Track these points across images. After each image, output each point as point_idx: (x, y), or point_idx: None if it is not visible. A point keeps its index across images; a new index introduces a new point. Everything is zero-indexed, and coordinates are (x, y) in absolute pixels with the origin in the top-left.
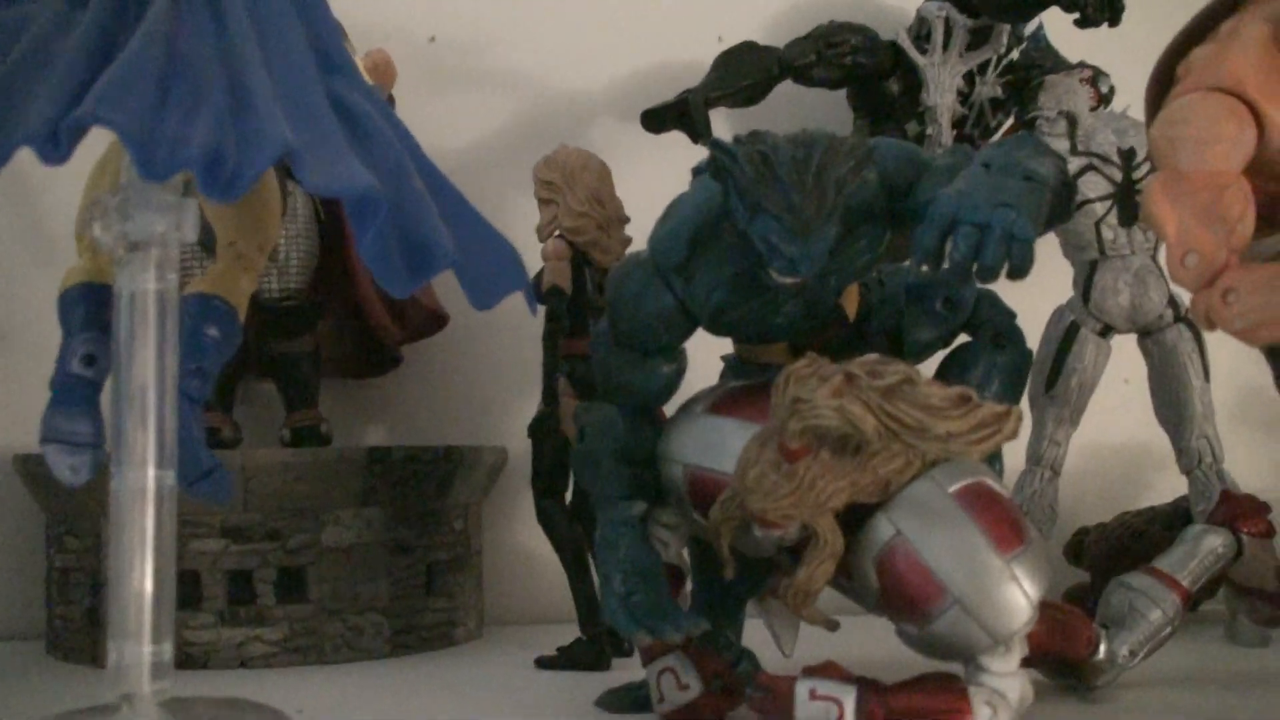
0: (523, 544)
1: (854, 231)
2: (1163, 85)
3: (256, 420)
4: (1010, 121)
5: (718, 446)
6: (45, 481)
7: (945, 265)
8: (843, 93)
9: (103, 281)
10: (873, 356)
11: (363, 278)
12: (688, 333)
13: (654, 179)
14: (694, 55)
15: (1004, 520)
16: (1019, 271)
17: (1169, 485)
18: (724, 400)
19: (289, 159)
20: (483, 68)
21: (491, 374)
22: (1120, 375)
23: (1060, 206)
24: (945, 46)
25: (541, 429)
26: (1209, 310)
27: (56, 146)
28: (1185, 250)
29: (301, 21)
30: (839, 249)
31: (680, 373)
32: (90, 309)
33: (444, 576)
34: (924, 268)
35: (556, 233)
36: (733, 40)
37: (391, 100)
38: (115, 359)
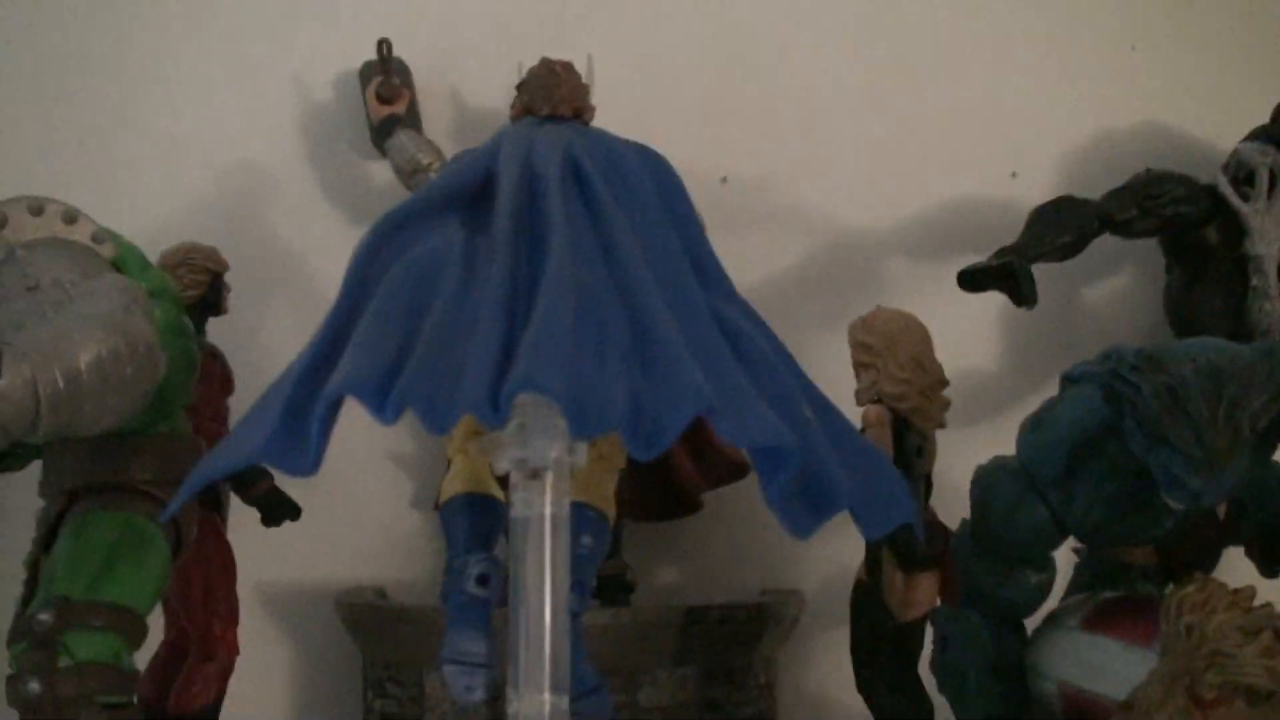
0: (815, 690)
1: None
2: None
3: None
4: None
5: (1099, 668)
6: (368, 625)
7: None
8: None
9: (484, 491)
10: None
11: None
12: (1058, 543)
13: (950, 322)
14: (988, 192)
15: None
16: None
17: None
18: (1100, 616)
19: (705, 414)
20: (775, 206)
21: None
22: None
23: None
24: (1270, 193)
25: (863, 599)
26: None
27: (496, 411)
28: None
29: (675, 229)
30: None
31: (1050, 582)
32: (475, 521)
33: None
34: None
35: (876, 398)
36: (1027, 177)
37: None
38: (513, 581)
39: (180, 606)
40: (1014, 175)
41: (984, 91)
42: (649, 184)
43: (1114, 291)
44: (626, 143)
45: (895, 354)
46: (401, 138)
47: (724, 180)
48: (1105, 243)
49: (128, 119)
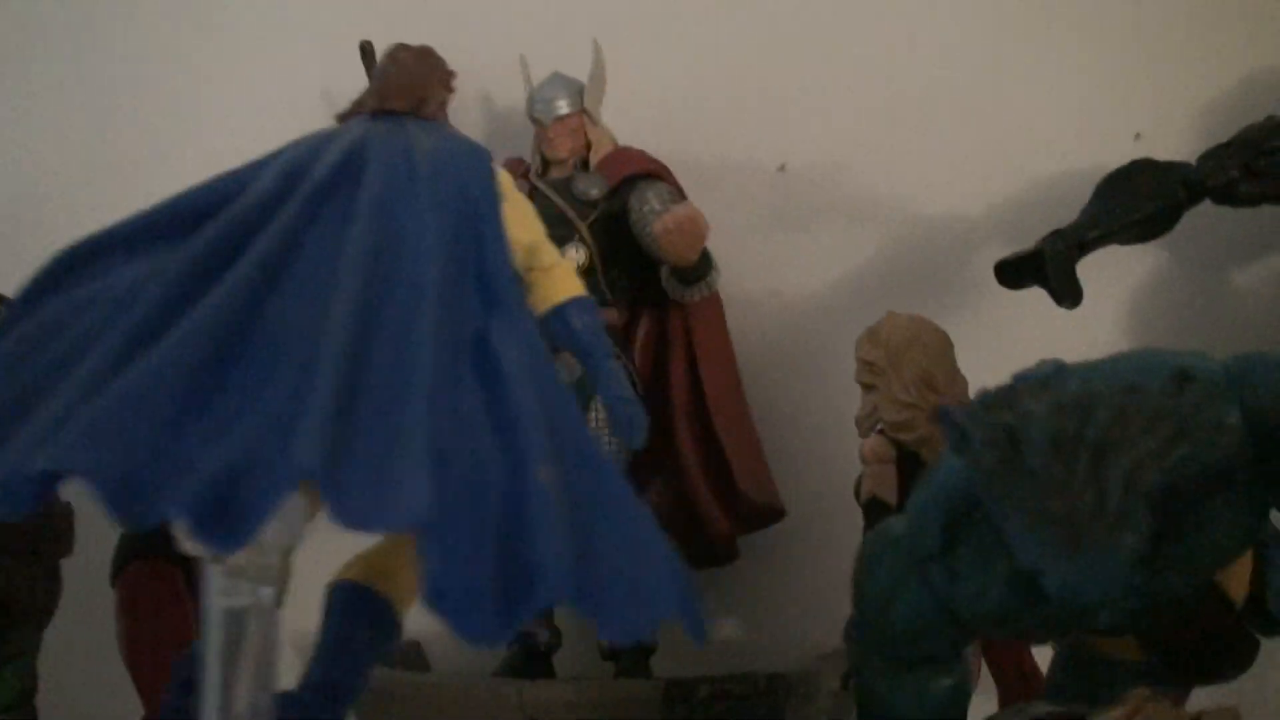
0: None
1: (1198, 514)
2: None
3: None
4: None
5: None
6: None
7: None
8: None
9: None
10: None
11: (689, 461)
12: (957, 635)
13: (1060, 325)
14: (1104, 161)
15: None
16: None
17: None
18: None
19: (315, 485)
20: (838, 196)
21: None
22: None
23: None
24: None
25: None
26: None
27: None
28: None
29: (472, 242)
30: (1170, 549)
31: (964, 690)
32: None
33: None
34: None
35: (878, 427)
36: (1155, 139)
37: None
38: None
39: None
40: (1138, 137)
41: (1097, 38)
42: (452, 188)
43: None
44: (454, 141)
45: (900, 372)
46: None
47: (782, 168)
48: None
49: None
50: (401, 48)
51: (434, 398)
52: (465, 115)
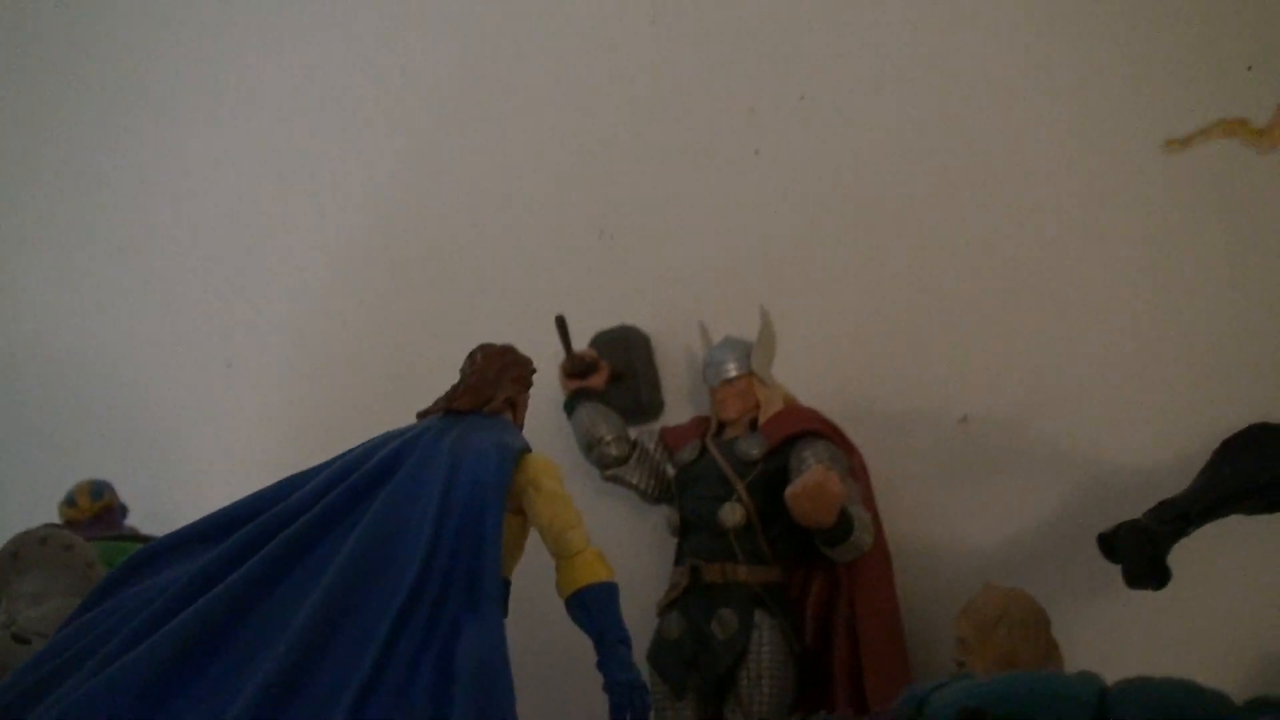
0: None
1: None
2: None
3: None
4: None
5: None
6: None
7: None
8: None
9: None
10: None
11: None
12: None
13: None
14: None
15: None
16: None
17: None
18: None
19: None
20: (1022, 447)
21: None
22: None
23: None
24: None
25: None
26: None
27: None
28: None
29: (470, 535)
30: None
31: None
32: None
33: None
34: None
35: None
36: None
37: None
38: None
39: None
40: None
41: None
42: (467, 490)
43: None
44: (493, 439)
45: (985, 650)
46: (581, 413)
47: (964, 420)
48: None
49: None
50: (481, 349)
51: (363, 703)
52: (670, 371)
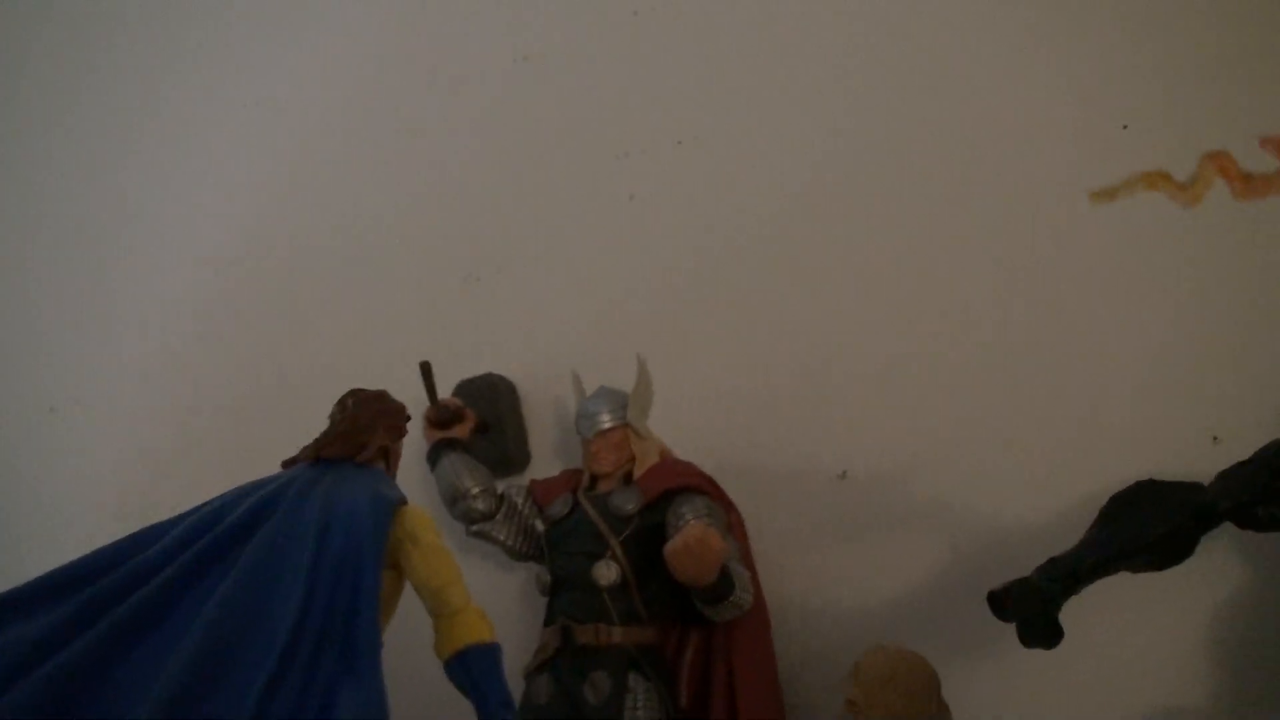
0: None
1: None
2: None
3: None
4: None
5: None
6: None
7: None
8: None
9: None
10: None
11: None
12: None
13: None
14: (1183, 467)
15: None
16: None
17: None
18: None
19: None
20: (904, 503)
21: None
22: None
23: None
24: None
25: None
26: None
27: None
28: None
29: (345, 590)
30: None
31: None
32: None
33: None
34: None
35: None
36: (1232, 443)
37: None
38: None
39: None
40: (1216, 440)
41: (1172, 343)
42: (339, 544)
43: None
44: (368, 492)
45: (874, 712)
46: (445, 464)
47: (843, 475)
48: None
49: None
50: (351, 394)
51: None
52: (538, 422)
